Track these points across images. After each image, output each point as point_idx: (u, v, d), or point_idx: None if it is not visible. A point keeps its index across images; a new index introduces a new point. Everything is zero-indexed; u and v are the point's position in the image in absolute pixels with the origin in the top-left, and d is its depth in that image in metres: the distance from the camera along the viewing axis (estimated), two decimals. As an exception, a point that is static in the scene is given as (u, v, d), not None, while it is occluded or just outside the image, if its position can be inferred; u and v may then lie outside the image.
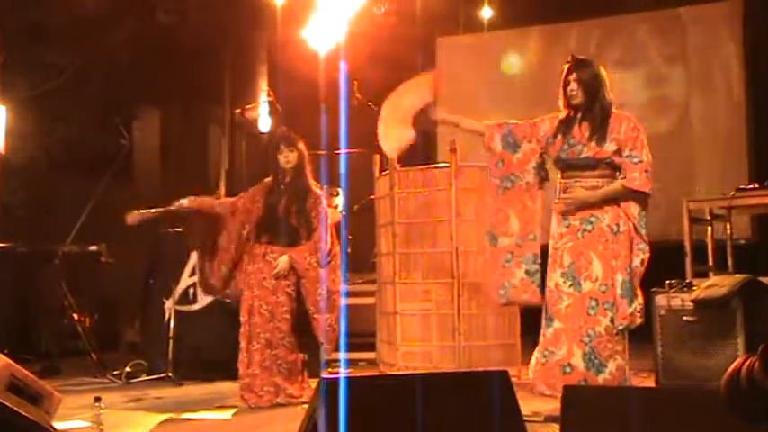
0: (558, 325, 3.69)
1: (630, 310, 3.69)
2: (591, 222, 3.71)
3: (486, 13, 8.06)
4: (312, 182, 4.34)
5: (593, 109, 3.73)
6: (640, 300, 3.76)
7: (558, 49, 7.41)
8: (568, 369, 3.61)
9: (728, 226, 5.30)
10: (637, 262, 3.71)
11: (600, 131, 3.71)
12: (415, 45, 7.82)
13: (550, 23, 7.99)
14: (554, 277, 3.76)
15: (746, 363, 1.43)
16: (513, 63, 7.90)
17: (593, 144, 3.71)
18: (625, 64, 7.55)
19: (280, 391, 4.15)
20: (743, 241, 6.26)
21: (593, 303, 3.64)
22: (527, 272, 3.84)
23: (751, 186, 5.20)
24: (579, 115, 3.77)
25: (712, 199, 5.36)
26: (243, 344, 4.20)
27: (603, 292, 3.64)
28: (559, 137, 3.79)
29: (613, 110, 3.77)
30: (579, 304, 3.66)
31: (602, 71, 3.79)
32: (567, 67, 3.80)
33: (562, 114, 3.84)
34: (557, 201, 3.89)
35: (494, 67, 8.04)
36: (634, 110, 7.33)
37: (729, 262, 5.29)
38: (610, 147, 3.70)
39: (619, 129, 3.71)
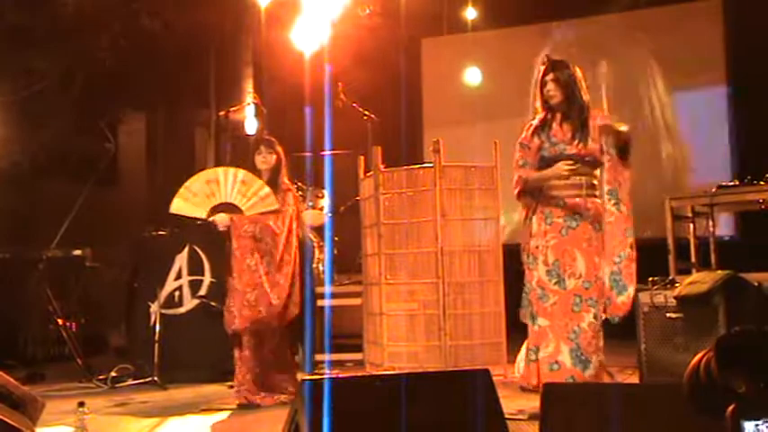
0: (543, 322, 3.70)
1: (622, 299, 3.64)
2: (575, 219, 3.73)
3: (471, 13, 8.06)
4: (286, 182, 4.48)
5: (572, 108, 3.75)
6: (630, 291, 3.70)
7: (543, 49, 7.44)
8: (556, 366, 3.62)
9: (711, 223, 5.35)
10: (625, 253, 3.66)
11: (582, 130, 3.73)
12: (399, 46, 7.85)
13: (534, 24, 8.03)
14: (536, 275, 3.77)
15: (705, 357, 1.44)
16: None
17: (576, 142, 3.72)
18: (608, 62, 7.59)
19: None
20: (726, 238, 6.30)
21: (577, 300, 3.67)
22: None
23: (732, 183, 5.25)
24: (558, 115, 3.79)
25: (694, 196, 5.40)
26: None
27: (587, 289, 3.67)
28: (536, 139, 3.81)
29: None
30: (564, 301, 3.69)
31: (578, 71, 3.81)
32: (542, 68, 3.82)
33: (538, 118, 3.86)
34: (540, 199, 3.88)
35: (478, 68, 8.06)
36: (615, 105, 7.50)
37: (712, 259, 5.34)
38: (593, 145, 3.73)
39: (595, 125, 3.74)
